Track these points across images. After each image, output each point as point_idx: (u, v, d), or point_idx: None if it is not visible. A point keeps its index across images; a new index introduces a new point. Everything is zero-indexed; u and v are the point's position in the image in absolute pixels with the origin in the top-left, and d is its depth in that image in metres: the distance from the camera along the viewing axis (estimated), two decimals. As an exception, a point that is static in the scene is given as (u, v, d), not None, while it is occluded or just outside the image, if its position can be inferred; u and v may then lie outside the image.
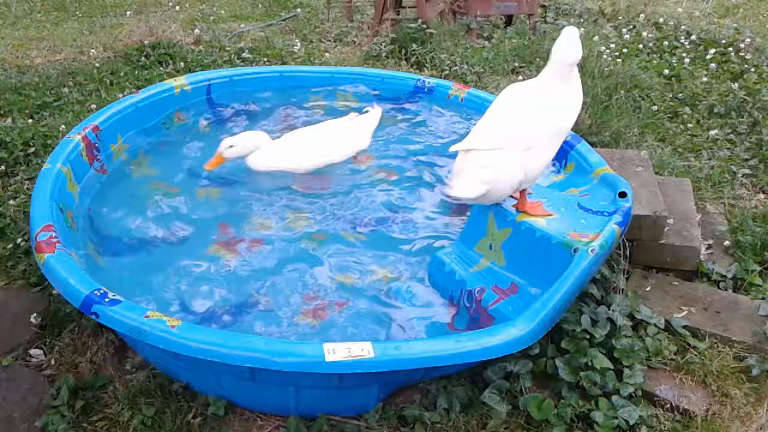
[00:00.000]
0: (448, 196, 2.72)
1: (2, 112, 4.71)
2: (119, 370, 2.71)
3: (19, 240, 3.36)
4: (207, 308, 2.78)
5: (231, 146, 3.57)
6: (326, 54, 6.29)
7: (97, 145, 3.54)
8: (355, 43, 6.76)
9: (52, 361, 2.76)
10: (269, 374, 2.21)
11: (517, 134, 2.66)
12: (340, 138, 3.82)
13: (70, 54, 6.13)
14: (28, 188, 3.77)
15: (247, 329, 2.70)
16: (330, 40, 6.85)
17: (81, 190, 3.29)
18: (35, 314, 2.92)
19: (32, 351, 2.79)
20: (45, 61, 5.96)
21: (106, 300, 2.29)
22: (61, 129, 4.31)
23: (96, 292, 2.33)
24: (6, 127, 4.33)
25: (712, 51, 5.89)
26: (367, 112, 4.07)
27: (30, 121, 4.51)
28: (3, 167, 4.00)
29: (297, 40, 6.60)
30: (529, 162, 2.68)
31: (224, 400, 2.49)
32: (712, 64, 5.63)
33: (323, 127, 3.88)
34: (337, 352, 2.16)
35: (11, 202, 3.63)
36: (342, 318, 2.80)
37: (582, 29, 6.27)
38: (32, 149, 4.13)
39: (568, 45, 2.72)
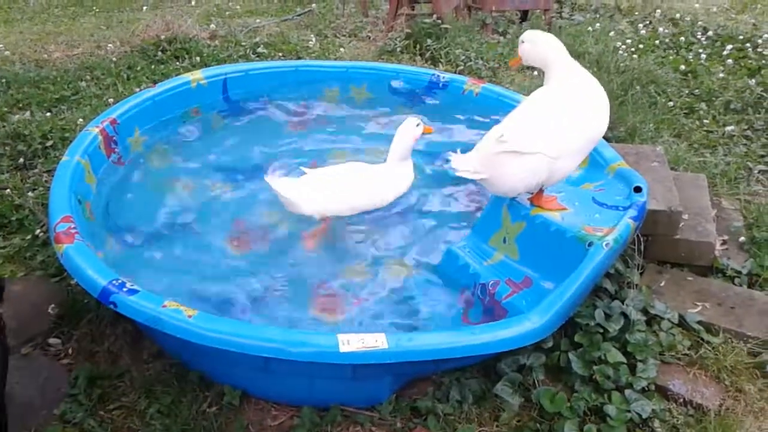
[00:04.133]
0: (452, 167, 2.72)
1: (21, 105, 4.77)
2: (136, 360, 2.74)
3: (37, 231, 3.41)
4: (222, 299, 2.81)
5: None
6: (341, 49, 6.30)
7: (114, 138, 3.57)
8: (369, 38, 6.77)
9: (70, 351, 2.80)
10: (283, 364, 2.23)
11: (554, 142, 2.64)
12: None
13: (88, 48, 6.19)
14: (46, 181, 3.82)
15: (262, 320, 2.72)
16: (345, 36, 6.86)
17: (99, 182, 3.33)
18: (53, 305, 2.96)
19: (51, 340, 2.84)
20: (63, 55, 6.01)
21: (125, 290, 2.33)
22: (78, 122, 4.36)
23: (114, 282, 2.36)
24: (24, 120, 4.39)
25: (729, 47, 5.84)
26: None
27: (48, 114, 4.56)
28: (22, 160, 4.06)
29: (312, 36, 6.62)
30: (556, 168, 2.69)
31: (239, 390, 2.52)
32: (729, 60, 5.58)
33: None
34: (351, 343, 2.18)
35: (30, 194, 3.68)
36: (355, 310, 2.82)
37: (598, 25, 6.26)
38: (50, 142, 4.18)
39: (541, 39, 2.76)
